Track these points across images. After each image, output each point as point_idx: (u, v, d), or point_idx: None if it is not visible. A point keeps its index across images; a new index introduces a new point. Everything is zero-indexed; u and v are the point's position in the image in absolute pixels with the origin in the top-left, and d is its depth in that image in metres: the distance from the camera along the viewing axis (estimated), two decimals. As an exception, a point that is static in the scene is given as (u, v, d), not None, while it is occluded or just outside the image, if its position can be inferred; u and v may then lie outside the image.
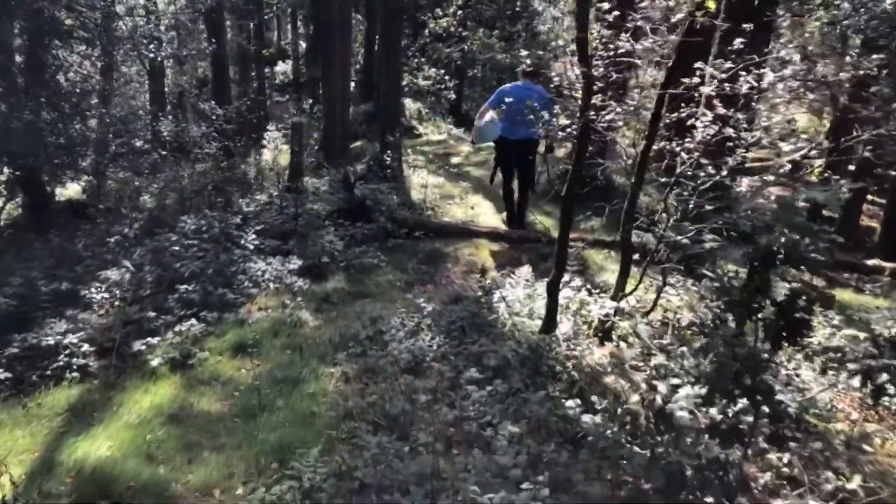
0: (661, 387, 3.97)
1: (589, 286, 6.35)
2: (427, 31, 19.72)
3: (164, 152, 9.30)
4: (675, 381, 3.99)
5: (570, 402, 4.08)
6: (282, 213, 9.66)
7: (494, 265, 7.83)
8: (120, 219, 10.73)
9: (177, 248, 7.02)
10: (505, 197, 8.89)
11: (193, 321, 6.01)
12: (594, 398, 4.33)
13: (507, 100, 7.93)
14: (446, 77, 20.17)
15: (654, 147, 5.96)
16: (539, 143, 8.38)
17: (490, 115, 8.38)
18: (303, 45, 30.69)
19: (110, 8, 10.94)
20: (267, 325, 6.03)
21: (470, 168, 12.51)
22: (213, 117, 10.72)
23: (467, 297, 6.61)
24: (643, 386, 4.33)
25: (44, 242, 9.88)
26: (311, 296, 6.92)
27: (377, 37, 19.60)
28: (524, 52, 20.99)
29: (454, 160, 13.45)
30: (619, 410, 3.96)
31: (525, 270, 6.52)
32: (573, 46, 6.13)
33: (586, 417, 3.77)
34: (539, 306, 5.75)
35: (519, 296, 5.87)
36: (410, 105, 21.02)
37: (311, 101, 21.12)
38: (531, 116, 6.89)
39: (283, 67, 33.06)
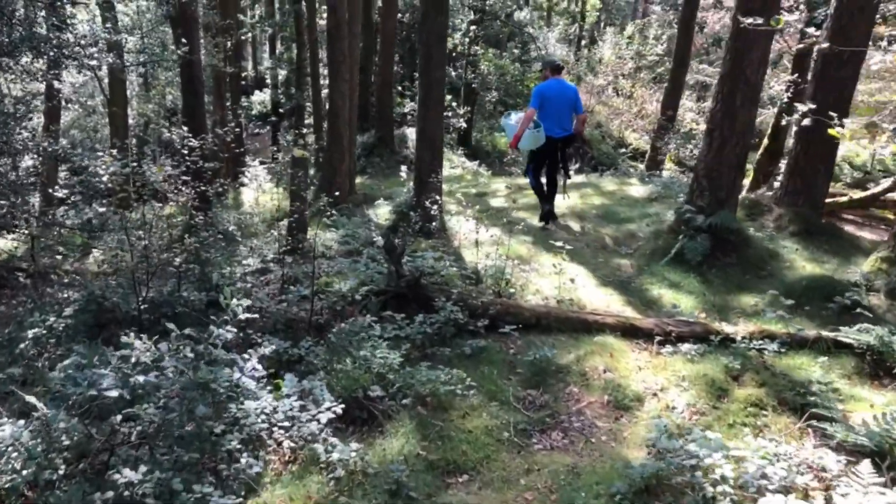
0: None
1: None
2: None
3: (101, 208, 5.94)
4: None
5: None
6: (285, 291, 6.39)
7: (652, 391, 4.62)
8: (49, 295, 7.37)
9: (115, 392, 3.68)
10: (539, 193, 8.37)
11: None
12: None
13: (547, 100, 7.68)
14: (454, 104, 17.09)
15: None
16: (575, 137, 8.24)
17: (534, 121, 7.79)
18: (283, 72, 27.50)
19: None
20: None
21: (522, 213, 9.33)
22: (185, 152, 7.43)
23: (665, 486, 3.40)
24: None
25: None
26: (365, 481, 3.63)
27: (377, 56, 16.57)
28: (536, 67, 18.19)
29: (494, 203, 10.28)
30: None
31: (866, 472, 3.20)
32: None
33: None
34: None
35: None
36: (413, 135, 17.94)
37: (295, 130, 17.90)
38: (569, 113, 7.73)
39: (261, 97, 29.77)
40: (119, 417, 3.86)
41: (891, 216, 14.14)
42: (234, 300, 3.92)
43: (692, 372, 4.71)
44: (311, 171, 13.93)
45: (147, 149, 20.99)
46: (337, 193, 10.28)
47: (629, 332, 5.33)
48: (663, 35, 18.45)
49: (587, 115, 8.14)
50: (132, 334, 3.80)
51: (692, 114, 15.70)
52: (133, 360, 3.73)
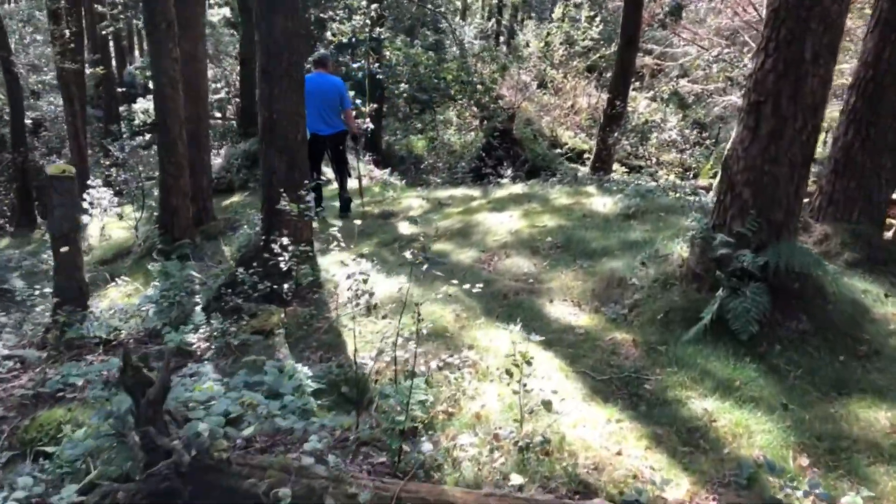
0: None
1: None
2: (329, 33, 13.38)
3: None
4: None
5: None
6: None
7: None
8: None
9: None
10: (316, 198, 7.00)
11: None
12: None
13: (306, 94, 5.91)
14: (358, 101, 13.85)
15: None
16: (347, 132, 7.48)
17: None
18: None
19: None
20: None
21: (445, 245, 6.23)
22: None
23: None
24: None
25: None
26: None
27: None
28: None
29: (404, 227, 7.14)
30: None
31: None
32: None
33: None
34: None
35: None
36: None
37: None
38: (334, 108, 7.12)
39: (145, 104, 25.52)
40: None
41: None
42: None
43: None
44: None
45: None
46: (177, 222, 7.03)
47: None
48: (597, 17, 15.74)
49: (351, 111, 7.49)
50: None
51: (645, 101, 12.97)
52: None
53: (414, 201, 8.33)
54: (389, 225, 7.35)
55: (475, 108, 15.01)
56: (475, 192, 8.67)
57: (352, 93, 13.92)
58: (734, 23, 12.34)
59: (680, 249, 4.60)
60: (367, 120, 13.77)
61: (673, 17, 10.07)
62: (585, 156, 14.67)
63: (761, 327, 3.79)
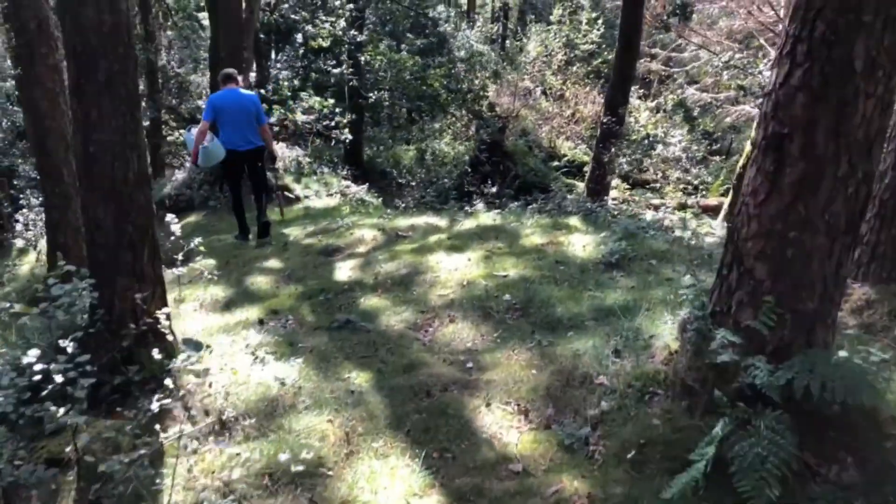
0: None
1: None
2: (301, 36, 12.10)
3: None
4: None
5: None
6: None
7: None
8: None
9: None
10: (237, 211, 7.17)
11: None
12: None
13: (222, 111, 6.52)
14: (337, 109, 12.57)
15: None
16: (265, 148, 7.01)
17: (210, 134, 6.61)
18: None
19: None
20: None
21: (380, 299, 4.90)
22: None
23: None
24: None
25: None
26: None
27: (222, 49, 11.94)
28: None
29: (342, 270, 5.79)
30: None
31: None
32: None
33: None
34: None
35: None
36: (284, 151, 13.38)
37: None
38: (252, 124, 6.65)
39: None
40: None
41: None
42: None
43: None
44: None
45: None
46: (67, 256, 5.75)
47: None
48: (599, 18, 14.36)
49: (268, 126, 7.02)
50: None
51: (647, 112, 11.56)
52: None
53: (367, 232, 7.00)
54: (327, 265, 6.03)
55: (468, 117, 13.72)
56: (441, 223, 7.33)
57: (331, 101, 12.69)
58: (748, 25, 10.93)
59: (669, 335, 3.25)
60: (346, 130, 12.53)
61: (678, 16, 8.70)
62: (585, 169, 13.32)
63: (784, 483, 2.43)
